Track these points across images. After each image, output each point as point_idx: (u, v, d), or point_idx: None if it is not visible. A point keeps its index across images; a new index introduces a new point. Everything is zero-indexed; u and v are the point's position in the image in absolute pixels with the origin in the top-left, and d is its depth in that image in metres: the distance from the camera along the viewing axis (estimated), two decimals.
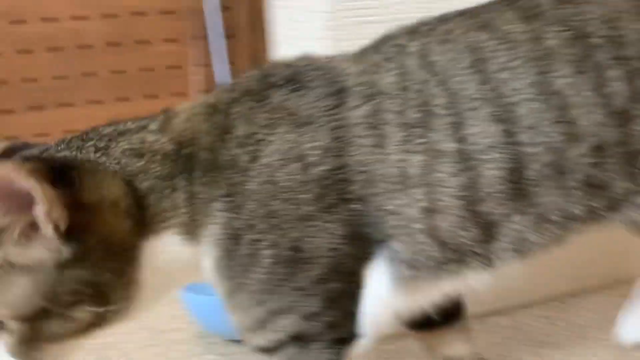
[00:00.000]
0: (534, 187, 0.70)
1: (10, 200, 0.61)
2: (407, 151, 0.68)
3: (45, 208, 0.59)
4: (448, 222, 0.68)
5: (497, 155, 0.69)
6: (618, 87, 0.71)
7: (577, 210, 0.72)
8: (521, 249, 0.72)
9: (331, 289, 0.68)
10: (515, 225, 0.70)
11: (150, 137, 0.68)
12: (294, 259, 0.66)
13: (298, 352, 0.71)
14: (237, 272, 0.68)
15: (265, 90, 0.70)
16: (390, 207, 0.68)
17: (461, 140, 0.69)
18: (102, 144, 0.67)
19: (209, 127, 0.68)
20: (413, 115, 0.69)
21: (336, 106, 0.69)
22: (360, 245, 0.68)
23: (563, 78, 0.71)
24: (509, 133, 0.69)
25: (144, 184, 0.65)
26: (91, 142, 0.67)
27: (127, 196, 0.65)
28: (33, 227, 0.62)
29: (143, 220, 0.65)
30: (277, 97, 0.69)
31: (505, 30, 0.73)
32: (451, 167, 0.68)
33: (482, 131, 0.69)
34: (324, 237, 0.67)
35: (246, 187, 0.66)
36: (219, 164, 0.66)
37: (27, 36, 1.61)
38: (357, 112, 0.69)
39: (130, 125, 0.69)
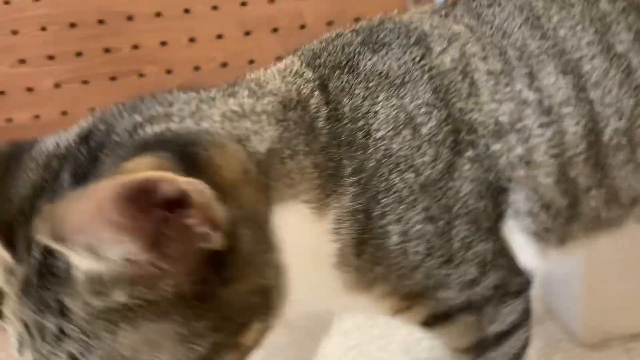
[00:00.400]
0: (610, 157, 0.71)
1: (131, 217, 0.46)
2: (499, 100, 0.68)
3: (205, 213, 0.48)
4: (547, 180, 0.69)
5: (573, 109, 0.70)
6: None
7: None
8: (591, 228, 0.74)
9: (479, 251, 0.65)
10: (593, 201, 0.72)
11: (248, 101, 0.61)
12: (427, 232, 0.62)
13: (476, 319, 0.67)
14: (373, 248, 0.63)
15: (351, 60, 0.67)
16: (496, 147, 0.67)
17: (538, 90, 0.70)
18: (193, 108, 0.58)
19: (318, 98, 0.64)
20: (496, 63, 0.69)
21: (424, 55, 0.66)
22: (490, 197, 0.65)
23: (624, 43, 0.71)
24: (579, 87, 0.71)
25: (260, 146, 0.57)
26: (176, 107, 0.58)
27: (250, 160, 0.56)
28: (162, 243, 0.48)
29: (268, 186, 0.56)
30: (365, 63, 0.66)
31: None
32: (537, 118, 0.69)
33: (553, 83, 0.70)
34: (452, 199, 0.63)
35: (369, 164, 0.61)
36: (340, 140, 0.62)
37: (251, 19, 1.65)
38: (446, 57, 0.66)
39: (214, 93, 0.62)
